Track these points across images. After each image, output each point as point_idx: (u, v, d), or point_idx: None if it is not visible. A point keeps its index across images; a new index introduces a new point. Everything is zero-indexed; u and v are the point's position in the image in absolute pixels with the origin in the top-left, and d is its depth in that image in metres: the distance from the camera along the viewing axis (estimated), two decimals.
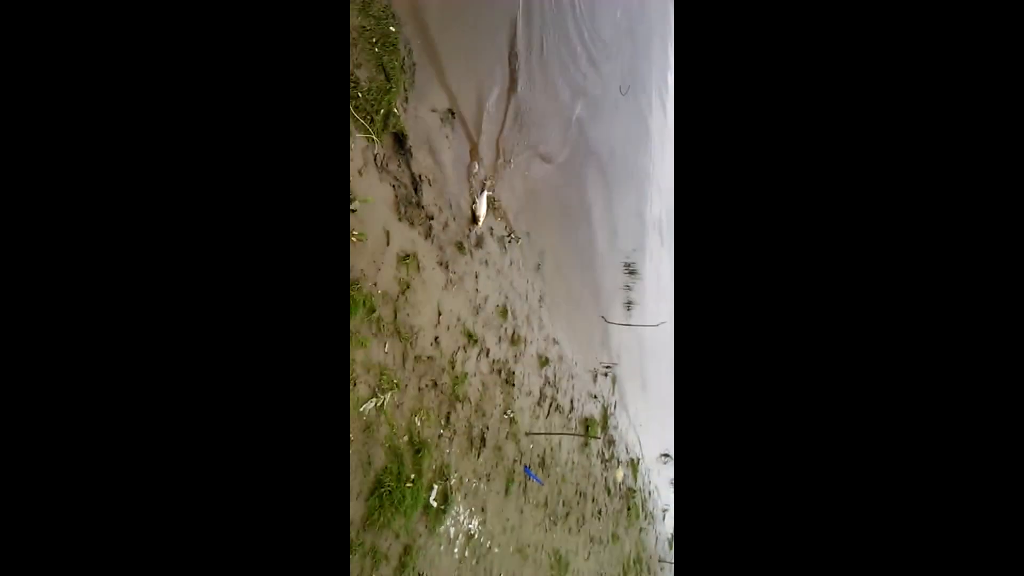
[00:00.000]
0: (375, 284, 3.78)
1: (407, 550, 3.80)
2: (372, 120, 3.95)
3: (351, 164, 3.70)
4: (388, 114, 4.10)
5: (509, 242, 5.51)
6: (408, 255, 4.13)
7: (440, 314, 4.43)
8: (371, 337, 3.68)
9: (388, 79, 4.02)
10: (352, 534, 3.35)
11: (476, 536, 4.58)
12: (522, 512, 5.32)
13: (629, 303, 7.84)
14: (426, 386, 4.18)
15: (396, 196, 4.06)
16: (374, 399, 3.60)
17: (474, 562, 4.55)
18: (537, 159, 6.15)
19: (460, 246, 4.83)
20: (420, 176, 4.32)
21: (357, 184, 3.71)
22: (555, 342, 6.41)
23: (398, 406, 3.86)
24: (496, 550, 4.85)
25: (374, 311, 3.72)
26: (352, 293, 3.55)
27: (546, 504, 5.81)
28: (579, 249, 7.04)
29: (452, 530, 4.31)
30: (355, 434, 3.46)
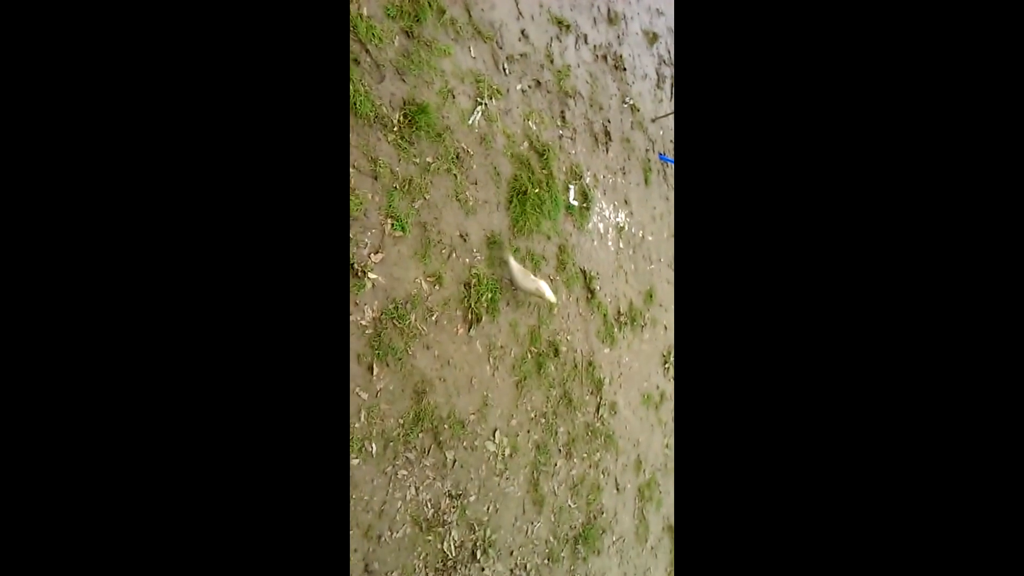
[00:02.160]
0: None
1: (562, 249, 3.90)
2: None
3: None
4: None
5: None
6: None
7: (519, 1, 3.80)
8: (452, 43, 3.29)
9: None
10: (505, 241, 3.46)
11: (626, 228, 4.58)
12: (667, 199, 5.15)
13: None
14: (529, 87, 3.81)
15: None
16: (479, 108, 3.36)
17: (631, 252, 4.62)
18: None
19: None
20: None
21: None
22: (659, 13, 5.42)
23: (506, 113, 3.60)
24: (650, 238, 4.87)
25: (444, 12, 3.25)
26: None
27: None
28: None
29: (601, 226, 4.32)
30: (473, 148, 3.34)
